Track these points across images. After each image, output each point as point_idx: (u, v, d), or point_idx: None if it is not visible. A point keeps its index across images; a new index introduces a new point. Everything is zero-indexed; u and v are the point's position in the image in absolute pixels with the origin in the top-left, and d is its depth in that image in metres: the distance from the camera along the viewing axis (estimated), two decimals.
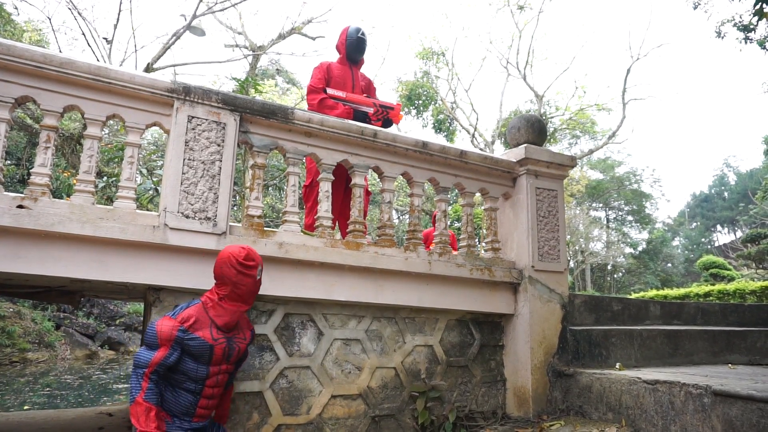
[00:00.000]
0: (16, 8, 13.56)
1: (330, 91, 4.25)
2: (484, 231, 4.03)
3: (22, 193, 2.60)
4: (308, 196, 4.35)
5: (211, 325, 2.44)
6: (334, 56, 4.78)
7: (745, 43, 11.99)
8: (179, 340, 2.33)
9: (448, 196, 3.87)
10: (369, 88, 4.69)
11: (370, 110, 4.29)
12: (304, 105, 16.38)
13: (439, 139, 20.89)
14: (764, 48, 11.91)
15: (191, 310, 2.44)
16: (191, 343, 2.36)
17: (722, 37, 12.56)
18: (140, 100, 2.85)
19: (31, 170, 2.68)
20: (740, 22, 11.89)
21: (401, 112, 4.43)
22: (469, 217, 3.94)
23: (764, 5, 4.61)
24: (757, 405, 2.41)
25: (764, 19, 4.82)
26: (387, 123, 4.40)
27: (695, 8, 13.28)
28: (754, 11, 4.76)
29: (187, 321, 2.38)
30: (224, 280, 2.46)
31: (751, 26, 11.55)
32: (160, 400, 2.35)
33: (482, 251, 4.03)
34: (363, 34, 4.57)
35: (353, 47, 4.55)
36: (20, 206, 2.49)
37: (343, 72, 4.54)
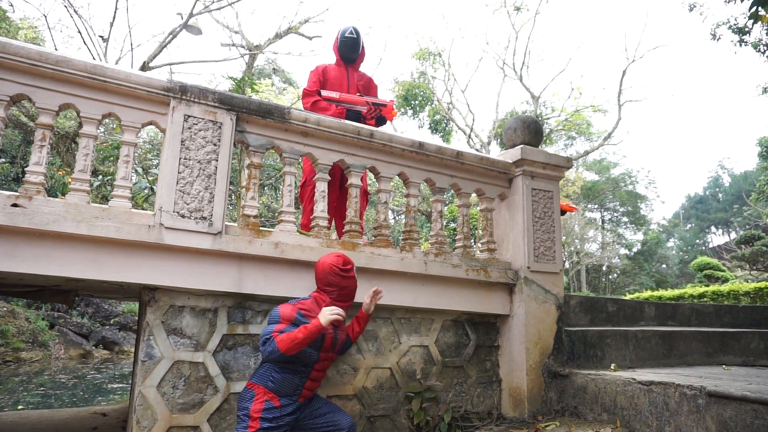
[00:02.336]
0: (11, 5, 13.49)
1: (324, 92, 4.25)
2: (480, 232, 4.03)
3: (16, 191, 2.59)
4: (303, 196, 4.35)
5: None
6: (331, 57, 4.77)
7: (740, 45, 12.06)
8: (297, 322, 2.63)
9: (444, 196, 3.88)
10: (369, 86, 4.67)
11: (363, 109, 4.28)
12: (301, 105, 16.36)
13: (436, 140, 20.93)
14: (759, 51, 11.98)
15: (307, 302, 2.76)
16: None
17: (717, 40, 12.62)
18: (136, 98, 2.84)
19: (25, 168, 2.66)
20: (735, 24, 11.96)
21: (395, 109, 4.42)
22: (465, 218, 3.94)
23: (759, 8, 4.63)
24: (751, 406, 2.42)
25: (759, 22, 4.83)
26: (380, 120, 4.40)
27: (691, 10, 13.34)
28: (749, 14, 4.77)
29: (304, 309, 2.70)
30: (332, 286, 2.81)
31: (746, 29, 11.61)
32: (267, 382, 2.66)
33: (478, 252, 4.03)
34: (352, 32, 4.56)
35: (345, 47, 4.56)
36: (15, 205, 2.48)
37: (339, 73, 4.54)
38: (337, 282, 2.80)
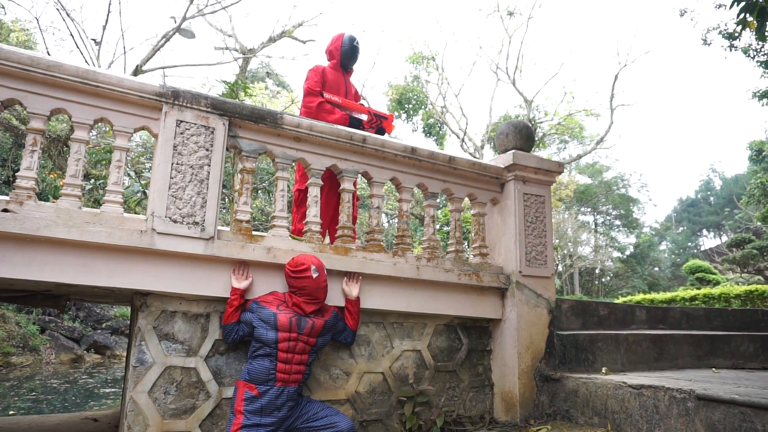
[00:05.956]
0: (3, 7, 13.43)
1: (326, 95, 4.25)
2: (473, 236, 4.05)
3: (7, 194, 2.58)
4: (301, 202, 4.33)
5: (280, 303, 2.90)
6: (324, 60, 4.77)
7: (731, 50, 12.21)
8: (251, 309, 2.88)
9: (437, 200, 3.89)
10: (357, 97, 4.72)
11: (365, 117, 4.30)
12: (294, 108, 16.34)
13: (429, 144, 20.98)
14: (748, 55, 12.12)
15: (270, 296, 2.97)
16: (262, 312, 2.83)
17: (708, 45, 12.77)
18: (128, 103, 2.84)
19: (16, 173, 2.65)
20: (725, 30, 12.10)
21: (394, 123, 4.45)
22: (457, 223, 3.96)
23: (748, 15, 4.69)
24: (738, 409, 2.45)
25: (748, 28, 4.89)
26: (380, 132, 4.42)
27: (681, 15, 13.48)
28: (738, 20, 4.82)
29: (263, 300, 2.92)
30: (291, 286, 2.94)
31: (736, 34, 11.75)
32: (245, 375, 2.79)
33: (470, 256, 4.05)
34: (357, 43, 4.59)
35: (347, 55, 4.56)
36: (5, 210, 2.47)
37: (336, 78, 4.55)
38: (292, 283, 2.92)
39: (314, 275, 2.90)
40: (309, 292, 2.90)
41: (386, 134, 4.51)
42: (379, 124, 4.36)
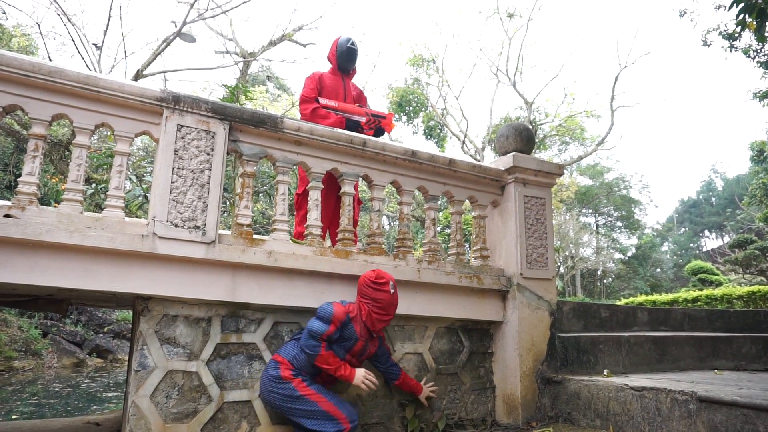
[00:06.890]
0: (4, 13, 13.48)
1: (322, 100, 4.26)
2: (473, 238, 4.05)
3: (9, 199, 2.59)
4: (301, 205, 4.34)
5: (362, 324, 2.97)
6: (325, 64, 4.79)
7: (731, 51, 12.22)
8: (343, 324, 2.85)
9: (438, 203, 3.90)
10: (360, 98, 4.72)
11: (362, 119, 4.31)
12: (295, 112, 16.36)
13: (430, 146, 21.00)
14: (749, 56, 12.13)
15: (353, 306, 2.96)
16: (346, 331, 2.87)
17: (708, 46, 12.78)
18: (129, 108, 2.85)
19: (18, 179, 2.66)
20: (725, 31, 12.12)
21: (393, 121, 4.45)
22: (458, 225, 3.96)
23: (747, 16, 4.70)
24: (741, 411, 2.44)
25: (748, 29, 4.90)
26: (379, 132, 4.42)
27: (681, 16, 13.52)
28: (737, 21, 4.84)
29: (352, 312, 2.92)
30: (366, 297, 2.99)
31: (736, 35, 11.77)
32: (293, 359, 2.85)
33: (471, 259, 4.05)
34: (353, 44, 4.59)
35: (344, 57, 4.57)
36: (7, 215, 2.48)
37: (334, 82, 4.56)
38: (369, 293, 2.97)
39: (391, 291, 2.99)
40: (384, 306, 2.96)
41: (386, 133, 4.51)
42: (378, 124, 4.36)
